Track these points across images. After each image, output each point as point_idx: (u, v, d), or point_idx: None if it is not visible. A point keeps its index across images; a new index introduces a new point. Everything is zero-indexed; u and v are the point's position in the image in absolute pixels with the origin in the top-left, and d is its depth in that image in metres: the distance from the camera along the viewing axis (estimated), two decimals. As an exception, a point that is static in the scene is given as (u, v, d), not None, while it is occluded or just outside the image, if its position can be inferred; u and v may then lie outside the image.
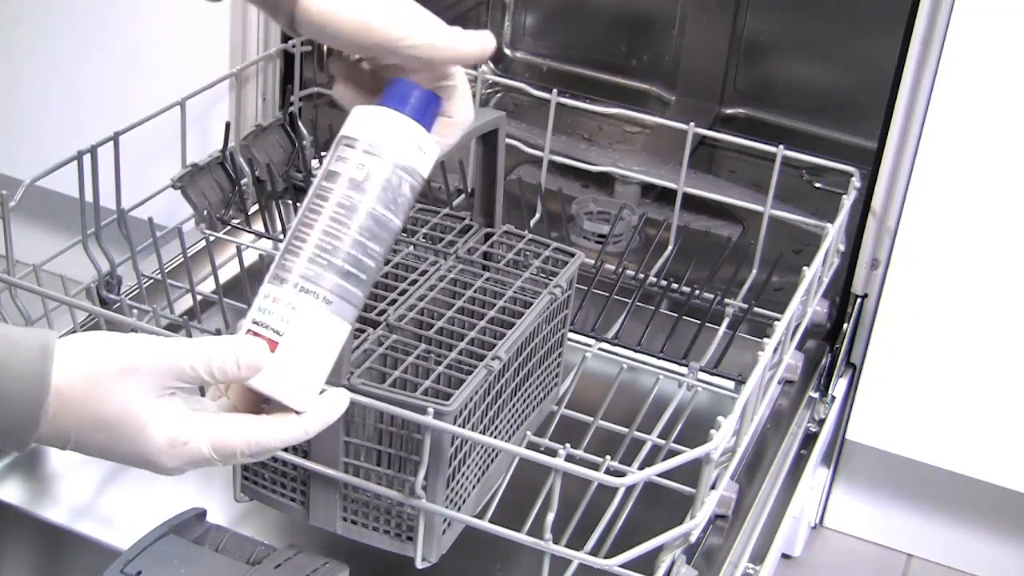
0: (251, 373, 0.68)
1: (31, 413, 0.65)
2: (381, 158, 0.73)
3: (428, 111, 0.75)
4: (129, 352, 0.66)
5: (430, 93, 0.75)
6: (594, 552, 0.86)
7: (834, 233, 1.11)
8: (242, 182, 1.30)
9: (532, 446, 0.98)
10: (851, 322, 1.25)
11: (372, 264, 0.73)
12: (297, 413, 0.70)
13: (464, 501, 0.88)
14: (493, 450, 0.91)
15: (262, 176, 1.33)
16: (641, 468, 0.93)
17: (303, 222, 0.73)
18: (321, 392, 0.71)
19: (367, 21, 0.74)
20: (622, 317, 1.19)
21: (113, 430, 0.66)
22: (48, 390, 0.65)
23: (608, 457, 0.97)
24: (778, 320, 1.00)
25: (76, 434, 0.66)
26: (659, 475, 0.82)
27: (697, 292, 1.22)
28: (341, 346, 0.73)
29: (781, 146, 1.21)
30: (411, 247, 1.00)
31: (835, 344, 1.26)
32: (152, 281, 1.19)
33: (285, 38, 1.39)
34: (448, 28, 0.76)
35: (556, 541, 0.83)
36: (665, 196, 1.44)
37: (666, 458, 0.90)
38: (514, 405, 0.95)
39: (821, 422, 1.21)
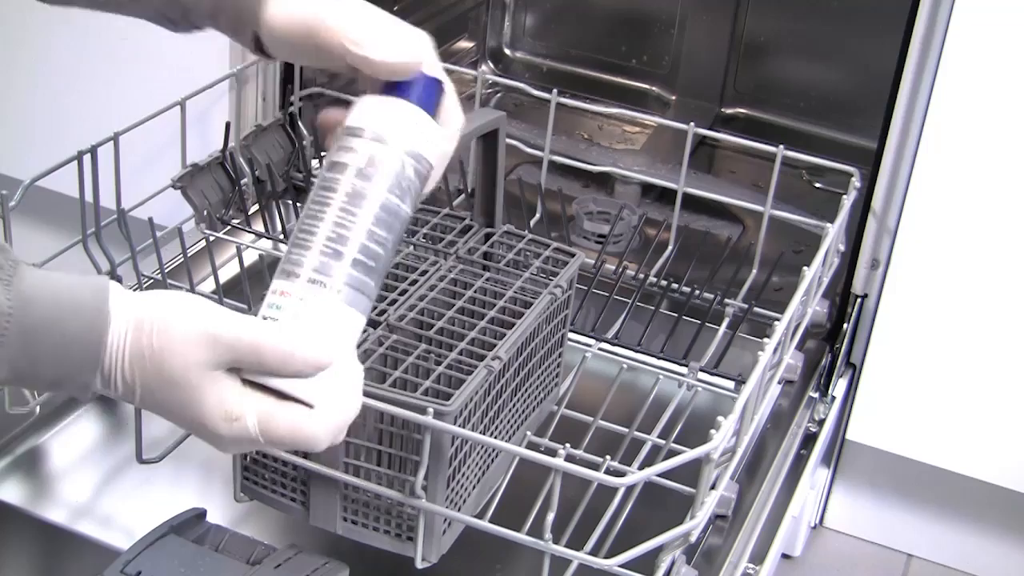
0: (311, 370, 0.67)
1: (92, 350, 0.65)
2: (386, 144, 0.72)
3: (430, 96, 0.74)
4: (211, 319, 0.66)
5: (431, 78, 0.74)
6: (594, 552, 0.86)
7: (834, 233, 1.11)
8: (242, 182, 1.30)
9: (532, 446, 0.98)
10: (851, 322, 1.25)
11: (383, 252, 0.71)
12: (309, 407, 0.68)
13: (464, 501, 0.88)
14: (493, 450, 0.91)
15: (262, 176, 1.33)
16: (641, 468, 0.93)
17: (309, 215, 0.71)
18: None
19: (317, 28, 0.73)
20: (622, 317, 1.19)
21: (175, 390, 0.66)
22: (108, 325, 0.66)
23: (608, 457, 0.97)
24: (778, 320, 1.00)
25: (142, 387, 0.67)
26: (659, 475, 0.82)
27: (697, 292, 1.22)
28: (356, 337, 0.71)
29: (781, 146, 1.21)
30: (411, 247, 1.00)
31: (835, 344, 1.26)
32: (152, 281, 1.19)
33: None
34: (386, 39, 0.73)
35: (556, 541, 0.83)
36: (665, 196, 1.44)
37: (666, 458, 0.90)
38: (514, 405, 0.94)
39: (821, 422, 1.21)
